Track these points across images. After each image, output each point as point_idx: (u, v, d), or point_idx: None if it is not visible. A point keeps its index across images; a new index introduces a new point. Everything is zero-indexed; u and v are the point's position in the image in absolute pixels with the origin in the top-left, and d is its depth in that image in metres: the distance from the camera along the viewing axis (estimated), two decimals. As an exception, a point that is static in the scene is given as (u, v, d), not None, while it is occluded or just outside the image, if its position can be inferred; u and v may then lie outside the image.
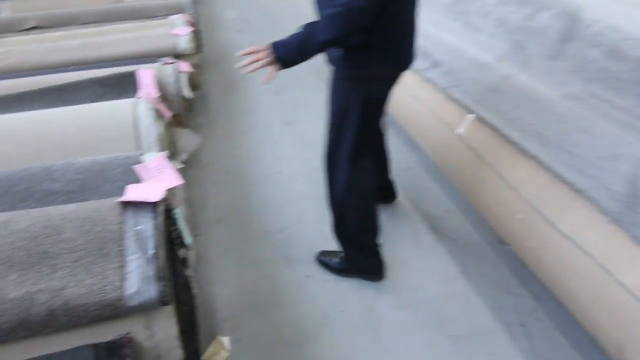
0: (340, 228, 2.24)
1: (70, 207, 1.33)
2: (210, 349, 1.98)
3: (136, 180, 1.57)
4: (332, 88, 2.03)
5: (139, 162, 1.64)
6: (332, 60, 1.98)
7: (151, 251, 1.22)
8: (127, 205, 1.32)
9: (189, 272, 1.60)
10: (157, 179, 1.58)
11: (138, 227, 1.25)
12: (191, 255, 1.86)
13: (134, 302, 1.15)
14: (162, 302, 1.16)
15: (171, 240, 1.47)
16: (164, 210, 1.38)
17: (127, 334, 1.20)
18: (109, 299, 1.14)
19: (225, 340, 2.05)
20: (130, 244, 1.23)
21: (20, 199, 1.51)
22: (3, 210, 1.46)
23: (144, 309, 1.17)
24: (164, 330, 1.23)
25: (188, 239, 1.63)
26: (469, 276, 2.33)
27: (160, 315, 1.22)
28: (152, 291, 1.16)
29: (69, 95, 2.33)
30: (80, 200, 1.50)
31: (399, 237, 2.57)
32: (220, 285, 2.33)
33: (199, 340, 1.69)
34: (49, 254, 1.20)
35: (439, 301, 2.21)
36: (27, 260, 1.19)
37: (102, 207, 1.31)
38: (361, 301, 2.22)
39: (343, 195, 2.12)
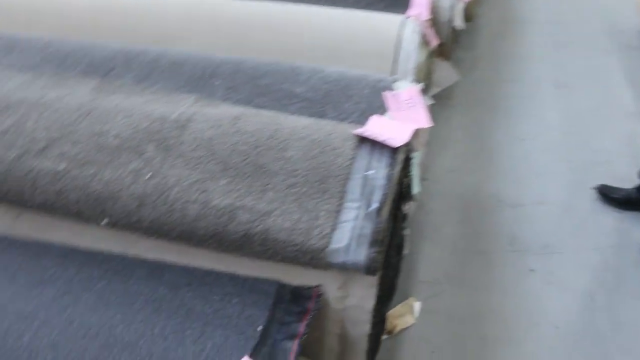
0: None
1: (303, 122, 1.15)
2: (398, 309, 1.79)
3: (382, 108, 1.36)
4: None
5: (390, 89, 1.42)
6: None
7: (375, 205, 0.99)
8: (364, 141, 1.10)
9: (406, 230, 1.38)
10: (405, 115, 1.35)
11: (369, 172, 1.03)
12: (412, 206, 1.64)
13: (337, 259, 0.95)
14: (368, 271, 0.95)
15: (400, 190, 1.24)
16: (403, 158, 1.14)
17: (318, 286, 1.02)
18: (310, 246, 0.95)
19: (417, 305, 1.84)
20: (355, 189, 1.02)
21: (260, 92, 1.40)
22: (240, 100, 1.36)
23: (345, 270, 0.98)
24: (359, 298, 1.03)
25: (416, 188, 1.41)
26: None
27: (361, 281, 1.01)
28: (361, 254, 0.94)
29: (336, -5, 2.19)
30: (318, 112, 1.34)
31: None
32: (430, 243, 2.09)
33: (390, 305, 1.49)
34: (266, 170, 1.04)
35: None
36: (243, 168, 1.05)
37: (336, 133, 1.11)
38: (582, 325, 1.80)
39: None
